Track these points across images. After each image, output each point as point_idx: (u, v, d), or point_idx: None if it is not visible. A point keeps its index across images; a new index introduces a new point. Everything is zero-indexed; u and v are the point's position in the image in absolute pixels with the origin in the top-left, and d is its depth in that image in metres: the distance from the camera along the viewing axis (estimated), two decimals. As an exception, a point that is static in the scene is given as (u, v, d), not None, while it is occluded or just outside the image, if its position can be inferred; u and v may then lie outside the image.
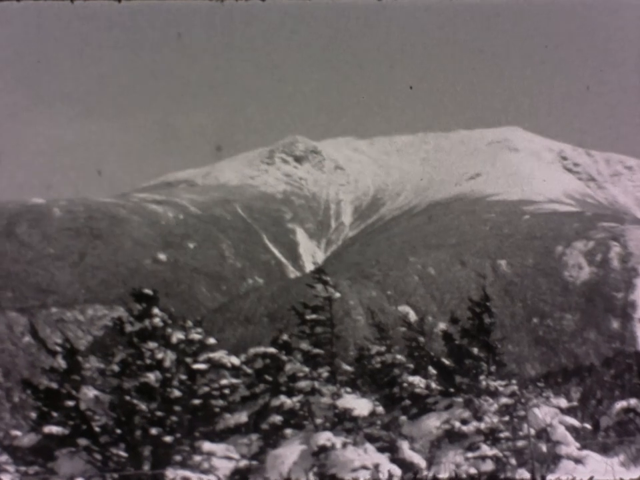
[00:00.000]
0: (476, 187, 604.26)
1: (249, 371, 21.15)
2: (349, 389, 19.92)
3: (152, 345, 17.65)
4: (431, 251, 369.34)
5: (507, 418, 24.58)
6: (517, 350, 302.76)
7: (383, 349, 24.26)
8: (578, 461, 25.52)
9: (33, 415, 18.79)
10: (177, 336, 18.28)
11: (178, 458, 17.57)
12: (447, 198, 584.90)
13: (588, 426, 30.95)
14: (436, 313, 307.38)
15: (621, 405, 31.84)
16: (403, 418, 22.98)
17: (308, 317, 21.67)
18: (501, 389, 24.46)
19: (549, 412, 25.62)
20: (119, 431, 17.41)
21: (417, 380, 23.69)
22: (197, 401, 18.39)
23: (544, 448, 24.83)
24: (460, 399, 22.80)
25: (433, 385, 23.84)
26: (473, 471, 20.77)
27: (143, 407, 17.11)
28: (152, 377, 17.30)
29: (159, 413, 17.28)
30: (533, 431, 24.92)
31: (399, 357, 24.24)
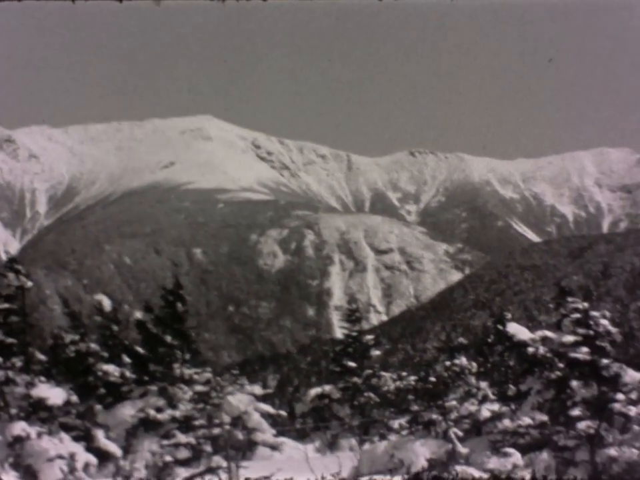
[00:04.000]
0: (170, 175, 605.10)
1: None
2: (43, 378, 19.22)
3: None
4: (126, 240, 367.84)
5: (201, 405, 24.68)
6: (213, 338, 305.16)
7: (77, 337, 23.65)
8: (274, 447, 26.13)
9: None
10: None
11: None
12: (141, 187, 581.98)
13: (283, 413, 31.57)
14: (132, 301, 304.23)
15: (315, 391, 32.70)
16: (98, 407, 22.53)
17: (0, 307, 20.80)
18: (195, 376, 24.60)
19: (244, 399, 25.89)
20: None
21: (111, 368, 23.26)
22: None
23: (239, 435, 25.06)
24: (154, 387, 22.61)
25: (128, 374, 23.49)
26: (169, 458, 20.74)
27: None
28: None
29: None
30: (228, 419, 25.09)
31: (93, 345, 23.71)
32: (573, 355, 17.88)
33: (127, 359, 24.06)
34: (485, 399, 22.31)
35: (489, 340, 24.36)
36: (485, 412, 20.86)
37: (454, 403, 19.42)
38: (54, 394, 18.31)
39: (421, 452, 18.00)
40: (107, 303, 24.24)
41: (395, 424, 31.05)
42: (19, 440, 17.07)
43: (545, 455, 18.07)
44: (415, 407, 20.20)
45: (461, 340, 25.63)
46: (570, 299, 19.21)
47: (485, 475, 17.32)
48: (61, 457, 16.98)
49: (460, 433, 18.95)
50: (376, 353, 34.72)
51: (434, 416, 18.82)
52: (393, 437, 27.35)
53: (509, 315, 24.40)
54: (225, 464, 19.69)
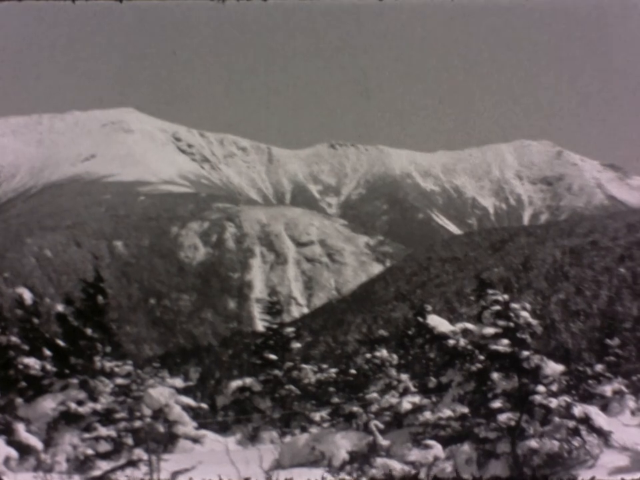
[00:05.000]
0: (91, 168, 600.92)
1: None
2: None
3: None
4: (47, 233, 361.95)
5: (122, 398, 24.35)
6: (134, 331, 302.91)
7: (-1, 331, 23.12)
8: (195, 440, 25.93)
9: None
10: None
11: None
12: (62, 179, 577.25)
13: (205, 405, 31.46)
14: (53, 294, 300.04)
15: (236, 384, 32.58)
16: (19, 400, 22.07)
17: None
18: (116, 369, 24.25)
19: (165, 392, 25.71)
20: None
21: (32, 362, 22.77)
22: None
23: (161, 428, 24.85)
24: (75, 380, 22.23)
25: (48, 367, 23.04)
26: (90, 452, 20.40)
27: None
28: None
29: None
30: (149, 411, 24.86)
31: (13, 338, 23.18)
32: (493, 347, 17.89)
33: (47, 352, 23.61)
34: (405, 391, 22.31)
35: (410, 332, 24.38)
36: (406, 404, 20.86)
37: (375, 395, 19.34)
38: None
39: (342, 444, 17.92)
40: (27, 296, 23.68)
41: (316, 416, 31.03)
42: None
43: (465, 447, 18.09)
44: (335, 400, 20.11)
45: (382, 332, 25.65)
46: (490, 291, 19.24)
47: (406, 467, 17.28)
48: (-19, 450, 16.61)
49: (381, 425, 18.91)
50: (297, 345, 34.62)
51: (355, 408, 18.72)
52: (314, 430, 27.30)
53: (429, 308, 24.44)
54: (145, 457, 19.37)
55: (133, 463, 19.04)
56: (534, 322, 18.30)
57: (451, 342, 21.79)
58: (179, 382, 28.76)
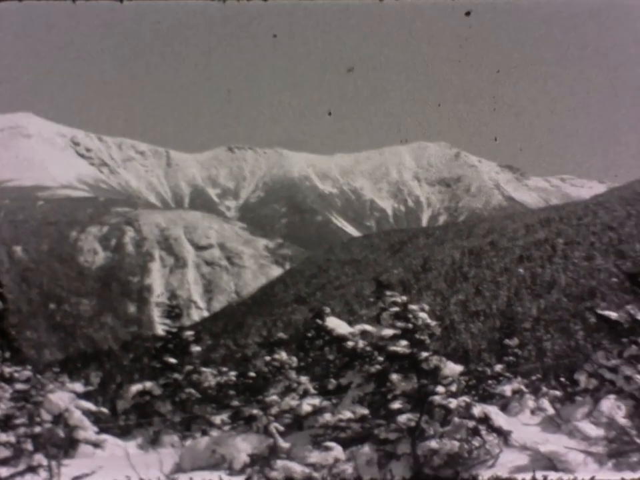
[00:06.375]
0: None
1: None
2: None
3: None
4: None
5: (22, 404, 23.87)
6: (34, 336, 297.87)
7: None
8: (96, 445, 25.60)
9: None
10: None
11: None
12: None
13: (105, 410, 31.05)
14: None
15: (136, 387, 32.30)
16: None
17: None
18: (16, 375, 23.81)
19: (65, 397, 25.28)
20: None
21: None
22: None
23: (61, 433, 24.43)
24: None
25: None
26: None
27: None
28: None
29: None
30: (49, 417, 24.44)
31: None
32: (392, 348, 17.97)
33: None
34: (305, 394, 22.29)
35: (309, 335, 24.37)
36: (306, 406, 20.83)
37: (275, 397, 19.26)
38: None
39: (242, 447, 17.83)
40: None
41: (217, 420, 30.82)
42: None
43: (366, 449, 18.12)
44: (235, 403, 20.00)
45: (281, 335, 25.54)
46: (388, 293, 19.32)
47: (307, 469, 17.25)
48: None
49: (281, 428, 18.85)
50: (197, 349, 34.36)
51: (255, 411, 18.62)
52: (214, 433, 27.08)
53: (327, 310, 24.48)
54: (45, 462, 18.99)
55: (32, 469, 18.68)
56: (432, 323, 18.45)
57: (350, 344, 21.84)
58: (79, 386, 28.32)
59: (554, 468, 16.72)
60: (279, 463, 17.34)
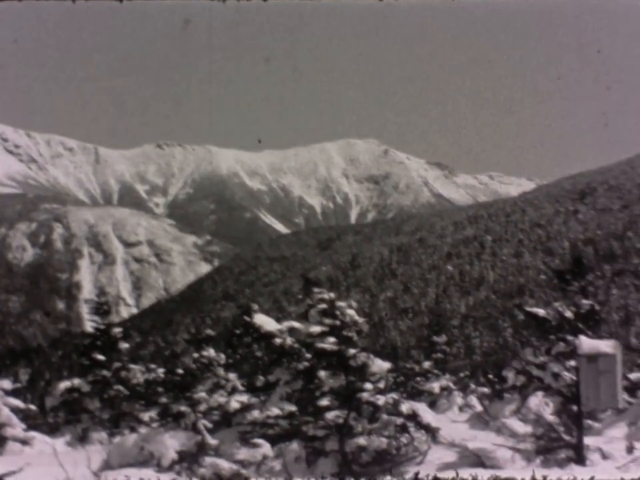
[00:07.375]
0: None
1: None
2: None
3: None
4: None
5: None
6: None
7: None
8: (24, 442, 25.39)
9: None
10: None
11: None
12: None
13: (34, 407, 30.80)
14: None
15: (64, 384, 32.04)
16: None
17: None
18: (-57, 373, 23.58)
19: (-6, 394, 25.07)
20: None
21: None
22: None
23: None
24: None
25: None
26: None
27: None
28: None
29: None
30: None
31: None
32: (319, 345, 18.05)
33: None
34: (233, 391, 22.27)
35: (238, 331, 24.37)
36: (234, 403, 20.82)
37: (203, 394, 19.20)
38: None
39: (171, 444, 17.74)
40: None
41: (145, 416, 30.68)
42: None
43: (294, 445, 18.19)
44: (164, 400, 19.90)
45: (209, 332, 25.47)
46: (316, 290, 19.40)
47: (235, 466, 17.26)
48: None
49: (209, 425, 18.80)
50: (125, 345, 34.12)
51: (183, 408, 18.55)
52: (143, 430, 26.95)
53: (256, 307, 24.48)
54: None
55: (-40, 467, 18.46)
56: (360, 320, 18.56)
57: (278, 340, 21.86)
58: (7, 383, 27.98)
59: (482, 465, 16.96)
60: (207, 460, 17.32)
